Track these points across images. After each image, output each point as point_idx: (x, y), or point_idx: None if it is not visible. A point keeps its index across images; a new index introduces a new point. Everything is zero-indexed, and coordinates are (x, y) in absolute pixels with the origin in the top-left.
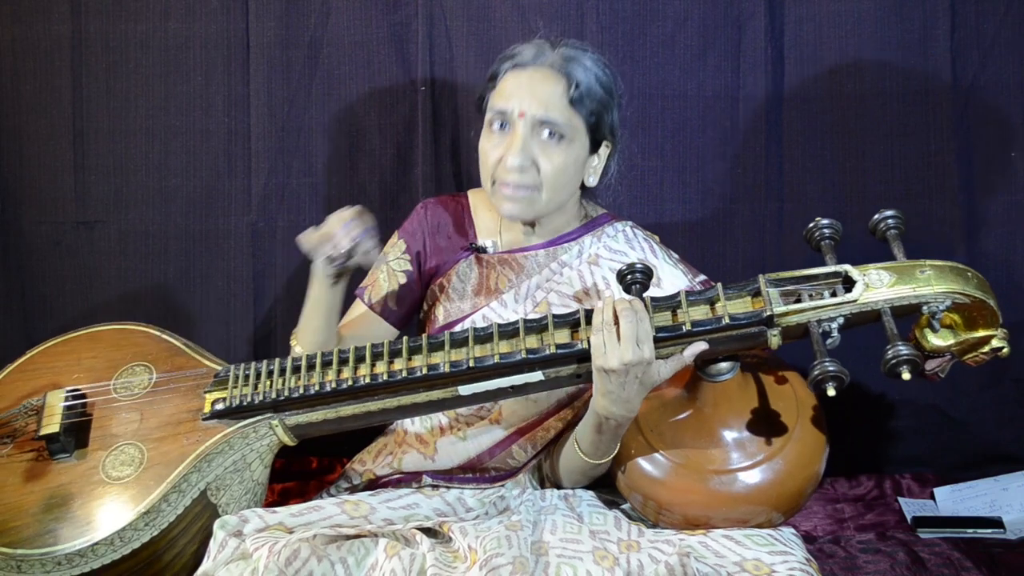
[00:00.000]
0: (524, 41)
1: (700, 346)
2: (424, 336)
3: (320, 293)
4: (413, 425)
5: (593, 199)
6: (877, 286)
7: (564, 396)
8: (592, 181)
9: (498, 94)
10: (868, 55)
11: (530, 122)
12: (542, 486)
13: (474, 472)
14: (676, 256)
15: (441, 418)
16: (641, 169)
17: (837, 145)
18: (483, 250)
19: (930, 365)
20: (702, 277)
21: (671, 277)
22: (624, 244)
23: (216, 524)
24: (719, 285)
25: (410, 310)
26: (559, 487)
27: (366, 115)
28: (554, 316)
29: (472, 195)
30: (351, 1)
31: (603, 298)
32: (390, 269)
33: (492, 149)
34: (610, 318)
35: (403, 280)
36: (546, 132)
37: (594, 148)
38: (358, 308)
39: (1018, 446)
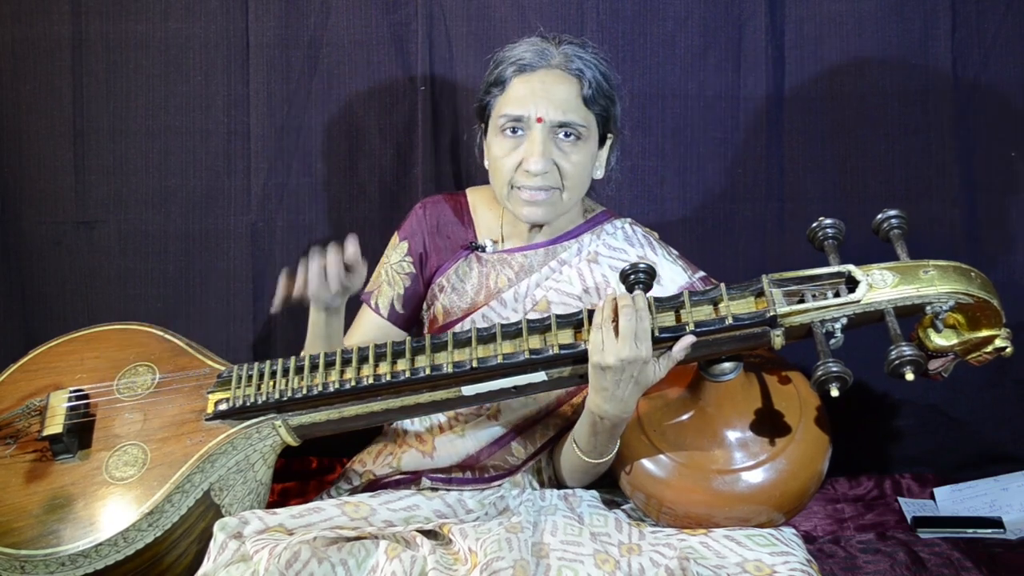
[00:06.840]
0: (518, 41)
1: (688, 339)
2: (427, 336)
3: (319, 321)
4: (413, 425)
5: (592, 194)
6: (880, 286)
7: (564, 393)
8: (599, 174)
9: (510, 100)
10: (868, 55)
11: (548, 126)
12: (541, 487)
13: (473, 471)
14: (675, 252)
15: (440, 416)
16: (641, 169)
17: (837, 145)
18: (482, 249)
19: (933, 365)
20: (701, 274)
21: (670, 274)
22: (623, 242)
23: (216, 526)
24: (722, 285)
25: (415, 311)
26: (562, 486)
27: (366, 115)
28: (557, 316)
29: (471, 193)
30: (351, 1)
31: (605, 296)
32: (393, 272)
33: (507, 155)
34: (610, 315)
35: (408, 283)
36: (563, 133)
37: (601, 142)
38: (365, 313)
39: (1018, 446)
